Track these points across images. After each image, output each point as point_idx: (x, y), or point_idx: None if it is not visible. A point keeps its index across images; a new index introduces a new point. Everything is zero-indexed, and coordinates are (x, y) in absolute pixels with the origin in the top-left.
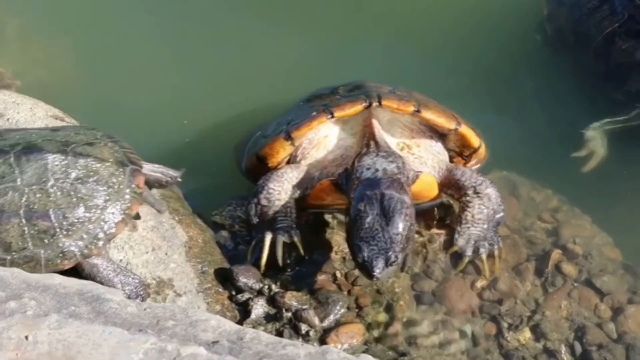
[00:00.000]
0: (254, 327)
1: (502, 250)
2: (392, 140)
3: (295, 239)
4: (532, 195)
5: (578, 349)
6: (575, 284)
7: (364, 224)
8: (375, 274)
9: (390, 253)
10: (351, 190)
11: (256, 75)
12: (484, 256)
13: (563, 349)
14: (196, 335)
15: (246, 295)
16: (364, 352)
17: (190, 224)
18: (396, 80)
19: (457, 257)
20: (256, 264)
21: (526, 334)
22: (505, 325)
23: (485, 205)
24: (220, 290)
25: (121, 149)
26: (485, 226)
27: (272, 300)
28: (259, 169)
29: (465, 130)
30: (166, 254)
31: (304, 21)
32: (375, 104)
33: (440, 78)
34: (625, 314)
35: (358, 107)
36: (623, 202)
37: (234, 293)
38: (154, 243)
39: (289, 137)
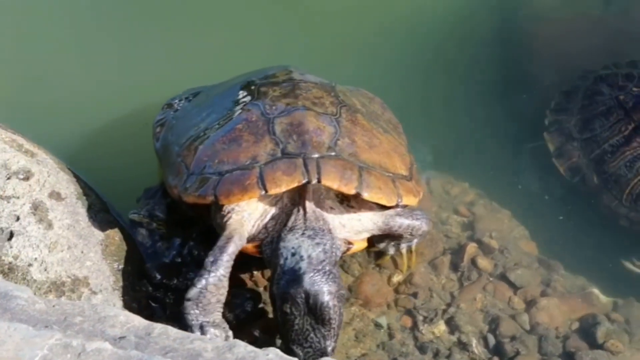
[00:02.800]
0: (170, 324)
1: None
2: (328, 193)
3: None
4: (447, 189)
5: (491, 340)
6: (491, 278)
7: (293, 326)
8: None
9: (328, 349)
10: (274, 269)
11: (167, 65)
12: (404, 251)
13: (474, 341)
14: (104, 331)
15: (162, 292)
16: (278, 346)
17: (107, 222)
18: (325, 71)
19: (377, 252)
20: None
21: (441, 327)
22: (420, 318)
23: (419, 237)
24: (137, 287)
25: None
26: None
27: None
28: None
29: (407, 200)
30: (82, 252)
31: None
32: (314, 181)
33: (364, 72)
34: (538, 306)
35: (294, 183)
36: (540, 198)
37: (150, 290)
38: (69, 241)
39: (216, 200)
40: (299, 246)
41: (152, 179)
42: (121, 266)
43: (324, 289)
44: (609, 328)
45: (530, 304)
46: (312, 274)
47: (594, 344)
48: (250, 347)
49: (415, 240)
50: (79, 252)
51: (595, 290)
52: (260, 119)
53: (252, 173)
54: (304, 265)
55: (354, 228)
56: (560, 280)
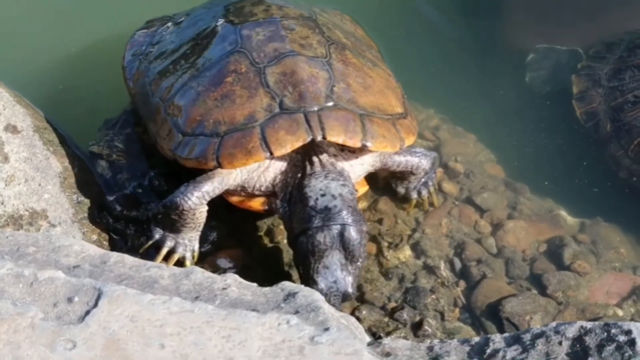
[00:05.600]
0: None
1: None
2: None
3: (189, 262)
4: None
5: (458, 264)
6: (456, 202)
7: (322, 257)
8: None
9: (350, 290)
10: (298, 217)
11: None
12: (425, 195)
13: (442, 265)
14: (57, 261)
15: (123, 224)
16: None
17: (65, 155)
18: None
19: (402, 198)
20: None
21: (406, 252)
22: (385, 244)
23: (421, 175)
24: (97, 220)
25: None
26: (423, 179)
27: (149, 229)
28: None
29: (408, 141)
30: (40, 185)
31: None
32: (319, 137)
33: None
34: (505, 229)
35: (299, 142)
36: (506, 121)
37: (111, 222)
38: (26, 174)
39: (219, 165)
40: (327, 187)
41: (112, 110)
42: (81, 198)
43: (358, 228)
44: (575, 249)
45: (496, 227)
46: (347, 211)
47: (561, 266)
48: (208, 274)
49: (430, 182)
50: (37, 185)
51: (562, 212)
52: (250, 70)
53: (254, 134)
54: (338, 202)
55: (356, 173)
56: (526, 202)
